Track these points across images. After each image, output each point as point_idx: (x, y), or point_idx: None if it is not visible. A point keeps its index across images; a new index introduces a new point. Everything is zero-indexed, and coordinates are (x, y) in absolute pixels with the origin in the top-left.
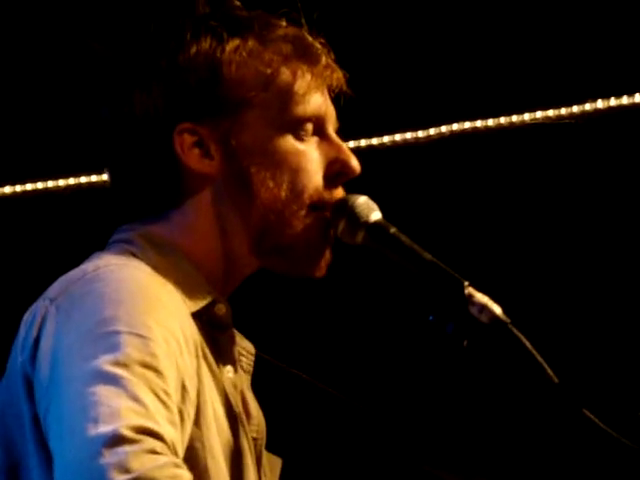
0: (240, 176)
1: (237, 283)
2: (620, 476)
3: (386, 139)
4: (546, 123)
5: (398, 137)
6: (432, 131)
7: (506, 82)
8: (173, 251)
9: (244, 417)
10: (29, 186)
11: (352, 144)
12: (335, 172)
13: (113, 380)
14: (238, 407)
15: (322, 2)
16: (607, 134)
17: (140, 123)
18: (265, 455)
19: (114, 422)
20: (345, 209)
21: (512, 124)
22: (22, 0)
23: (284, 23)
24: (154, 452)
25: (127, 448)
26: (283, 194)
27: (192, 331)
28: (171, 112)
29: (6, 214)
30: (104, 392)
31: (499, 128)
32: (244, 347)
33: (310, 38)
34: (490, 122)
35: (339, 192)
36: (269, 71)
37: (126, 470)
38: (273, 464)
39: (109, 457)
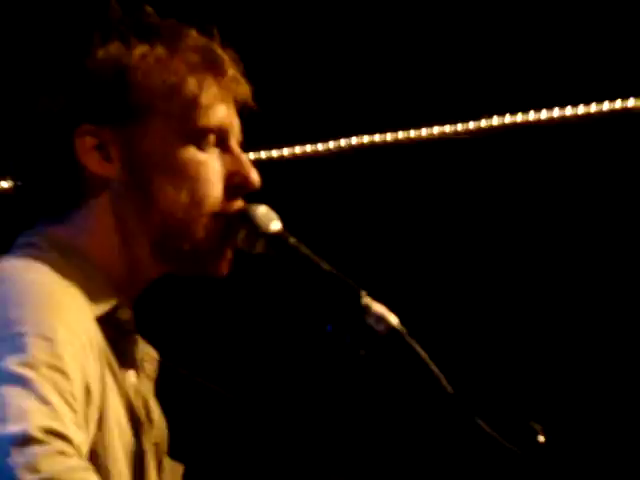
0: (140, 182)
1: (142, 287)
2: None
3: (286, 152)
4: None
5: (298, 149)
6: (331, 144)
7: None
8: (76, 254)
9: (146, 422)
10: None
11: (253, 156)
12: (235, 184)
13: (20, 381)
14: (140, 412)
15: (235, 15)
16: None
17: (42, 123)
18: (167, 461)
19: (22, 422)
20: (245, 219)
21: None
22: None
23: (195, 33)
24: (63, 454)
25: (36, 449)
26: (183, 202)
27: (96, 335)
28: (73, 113)
29: None
30: (12, 393)
31: (397, 143)
32: (147, 353)
33: (219, 49)
34: (388, 137)
35: (239, 203)
36: (175, 80)
37: (35, 470)
38: (175, 471)
39: (18, 457)
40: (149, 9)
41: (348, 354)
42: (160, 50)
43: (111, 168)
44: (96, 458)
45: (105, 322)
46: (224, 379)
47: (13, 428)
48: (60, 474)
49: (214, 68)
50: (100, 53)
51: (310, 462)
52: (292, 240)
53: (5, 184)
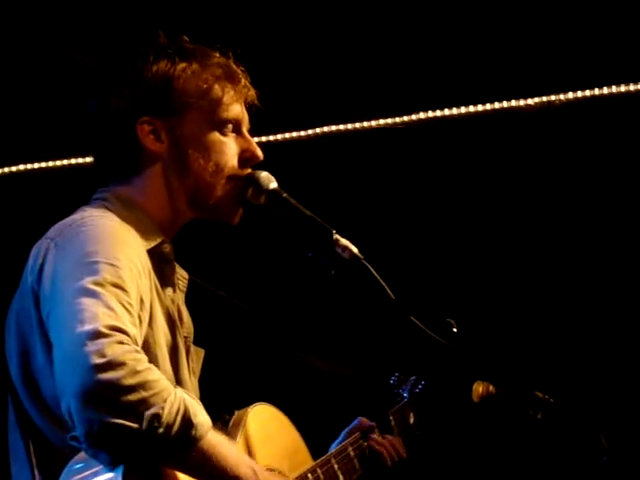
0: (181, 155)
1: (178, 229)
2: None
3: (279, 136)
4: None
5: (294, 134)
6: (310, 132)
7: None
8: (135, 206)
9: (178, 322)
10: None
11: (258, 139)
12: (245, 158)
13: (93, 294)
14: (174, 315)
15: (242, 42)
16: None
17: (114, 115)
18: (193, 348)
19: (94, 322)
20: (252, 180)
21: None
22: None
23: (217, 54)
24: (122, 343)
25: (103, 340)
26: (210, 169)
27: (147, 262)
28: (135, 109)
29: (16, 189)
30: (87, 302)
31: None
32: (181, 274)
33: (234, 66)
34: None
35: (248, 170)
36: (205, 86)
37: (102, 355)
38: (199, 354)
39: (91, 346)
40: (186, 37)
41: (323, 273)
42: (195, 66)
43: (161, 147)
44: (148, 346)
45: (153, 253)
46: (236, 292)
47: (88, 327)
48: (119, 356)
49: (232, 78)
50: (154, 68)
51: (291, 345)
52: (285, 195)
53: (88, 159)
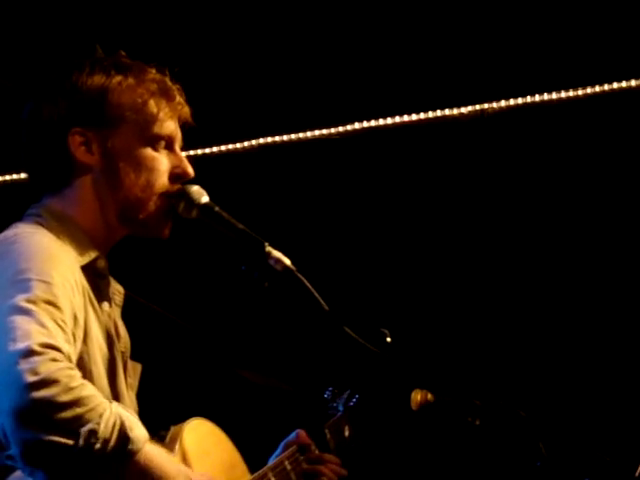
0: (112, 169)
1: (112, 244)
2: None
3: (214, 149)
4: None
5: (223, 148)
6: (242, 144)
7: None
8: (67, 220)
9: (115, 337)
10: None
11: (193, 152)
12: (176, 174)
13: (26, 312)
14: (111, 330)
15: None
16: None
17: (46, 124)
18: (130, 363)
19: (27, 340)
20: (183, 194)
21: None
22: None
23: (154, 70)
24: (55, 360)
25: (37, 358)
26: (140, 184)
27: (81, 279)
28: (68, 119)
29: None
30: (19, 320)
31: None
32: (117, 288)
33: (170, 82)
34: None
35: (178, 185)
36: (140, 101)
37: (36, 373)
38: (136, 368)
39: (24, 364)
40: (123, 52)
41: (256, 285)
42: (131, 80)
43: (92, 158)
44: (83, 362)
45: (88, 268)
46: (171, 306)
47: (20, 345)
48: (53, 373)
49: (167, 95)
50: (89, 79)
51: (227, 360)
52: (217, 208)
53: (17, 175)
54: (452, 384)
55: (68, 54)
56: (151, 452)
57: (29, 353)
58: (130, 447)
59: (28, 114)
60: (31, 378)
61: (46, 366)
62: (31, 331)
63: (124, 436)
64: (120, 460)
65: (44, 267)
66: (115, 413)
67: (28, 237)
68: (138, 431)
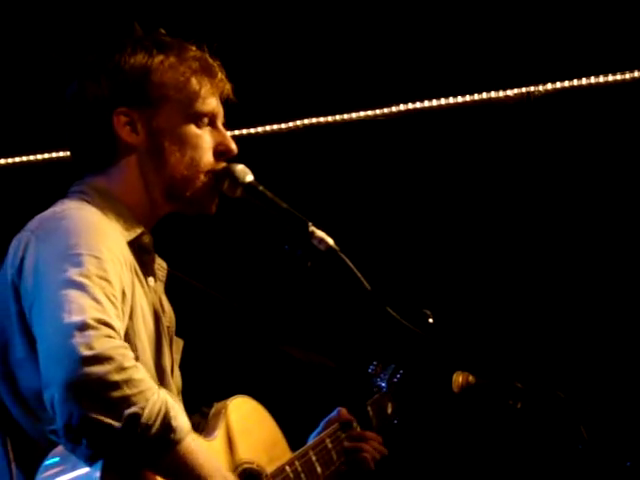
0: (157, 148)
1: (156, 220)
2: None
3: (259, 129)
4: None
5: (268, 128)
6: (287, 124)
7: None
8: (112, 198)
9: (161, 312)
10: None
11: (239, 132)
12: (220, 151)
13: (79, 286)
14: (157, 305)
15: (218, 34)
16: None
17: (91, 104)
18: (175, 338)
19: (82, 314)
20: (228, 173)
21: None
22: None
23: (194, 47)
24: (110, 337)
25: (92, 332)
26: (185, 162)
27: (127, 254)
28: (112, 99)
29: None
30: (73, 294)
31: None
32: (160, 264)
33: (211, 59)
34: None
35: (223, 163)
36: (182, 79)
37: (91, 348)
38: (178, 344)
39: (79, 338)
40: (163, 31)
41: (299, 264)
42: (172, 59)
43: (137, 138)
44: (128, 338)
45: (133, 244)
46: (217, 283)
47: (75, 318)
48: (107, 350)
49: (208, 72)
50: (132, 59)
51: (272, 338)
52: (261, 187)
53: (62, 153)
54: (493, 366)
55: (107, 32)
56: (192, 445)
57: (84, 327)
58: (172, 436)
59: (72, 95)
60: (85, 352)
61: (100, 342)
62: (85, 305)
63: (167, 424)
64: (160, 448)
65: (93, 242)
66: (162, 400)
67: (76, 213)
68: (181, 421)
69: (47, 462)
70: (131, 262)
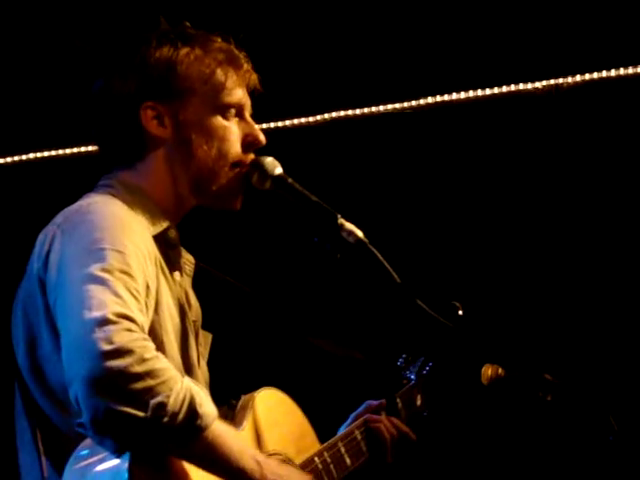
0: (184, 141)
1: (182, 215)
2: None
3: (287, 122)
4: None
5: (296, 121)
6: (314, 118)
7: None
8: (139, 192)
9: (187, 306)
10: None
11: (266, 125)
12: (248, 142)
13: (101, 281)
14: (182, 299)
15: (243, 26)
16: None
17: (117, 98)
18: (201, 332)
19: (102, 309)
20: (257, 165)
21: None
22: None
23: (219, 39)
24: (130, 330)
25: (112, 327)
26: (213, 155)
27: (153, 248)
28: (139, 93)
29: (24, 178)
30: (94, 289)
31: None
32: (187, 259)
33: (236, 51)
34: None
35: (252, 155)
36: (208, 71)
37: (111, 342)
38: (206, 338)
39: (99, 333)
40: (187, 23)
41: (329, 257)
42: (197, 51)
43: (165, 132)
44: (154, 332)
45: (159, 238)
46: (243, 276)
47: (96, 313)
48: (127, 343)
49: (234, 63)
50: (157, 53)
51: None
52: (290, 180)
53: (93, 147)
54: (523, 359)
55: (133, 27)
56: (219, 430)
57: (104, 322)
58: (199, 423)
59: (98, 89)
60: (106, 347)
61: (121, 335)
62: (106, 300)
63: (193, 411)
64: (188, 435)
65: (118, 237)
66: (186, 387)
67: (101, 207)
68: (208, 407)
69: (77, 454)
70: (156, 256)
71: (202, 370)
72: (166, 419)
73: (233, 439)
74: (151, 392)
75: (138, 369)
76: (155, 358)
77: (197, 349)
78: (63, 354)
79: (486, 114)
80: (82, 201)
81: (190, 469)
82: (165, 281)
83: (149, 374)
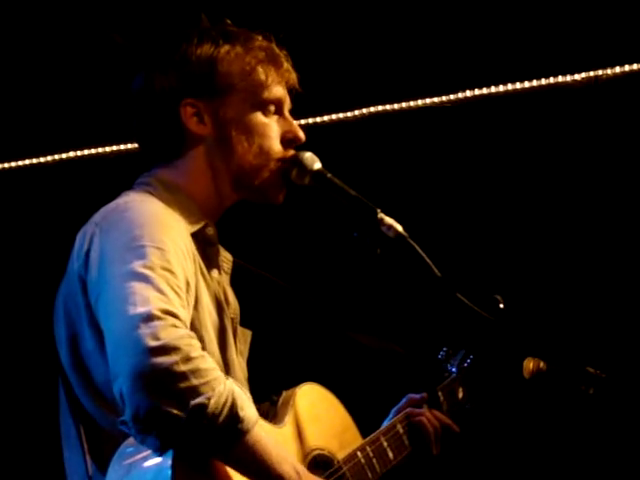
0: (225, 138)
1: (221, 212)
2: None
3: (326, 118)
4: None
5: (334, 117)
6: (353, 113)
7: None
8: (178, 189)
9: (225, 304)
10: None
11: (305, 121)
12: (288, 139)
13: (144, 278)
14: (221, 297)
15: (284, 25)
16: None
17: (158, 95)
18: (240, 330)
19: (147, 305)
20: (296, 161)
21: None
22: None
23: (260, 37)
24: (176, 327)
25: (157, 323)
26: (253, 151)
27: (191, 246)
28: (179, 90)
29: (63, 176)
30: (137, 285)
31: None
32: (225, 256)
33: (277, 49)
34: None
35: (291, 151)
36: (248, 68)
37: (157, 338)
38: (246, 335)
39: (145, 329)
40: (229, 21)
41: (369, 252)
42: (238, 49)
43: (205, 129)
44: (194, 330)
45: (197, 236)
46: (282, 272)
47: (141, 309)
48: (174, 340)
49: (274, 61)
50: (198, 50)
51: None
52: (329, 175)
53: (133, 145)
54: (565, 352)
55: (174, 24)
56: (259, 435)
57: (150, 318)
58: (240, 426)
59: (139, 86)
60: (152, 343)
61: (167, 332)
62: (150, 297)
63: (234, 414)
64: (228, 438)
65: (157, 234)
66: (229, 390)
67: (139, 205)
68: (249, 411)
69: (121, 451)
70: (194, 254)
71: (241, 367)
72: (206, 420)
73: (273, 445)
74: (193, 392)
75: (183, 368)
76: (201, 357)
77: (236, 346)
78: (108, 350)
79: (525, 107)
80: (120, 199)
81: (232, 472)
82: (203, 279)
83: (194, 373)
